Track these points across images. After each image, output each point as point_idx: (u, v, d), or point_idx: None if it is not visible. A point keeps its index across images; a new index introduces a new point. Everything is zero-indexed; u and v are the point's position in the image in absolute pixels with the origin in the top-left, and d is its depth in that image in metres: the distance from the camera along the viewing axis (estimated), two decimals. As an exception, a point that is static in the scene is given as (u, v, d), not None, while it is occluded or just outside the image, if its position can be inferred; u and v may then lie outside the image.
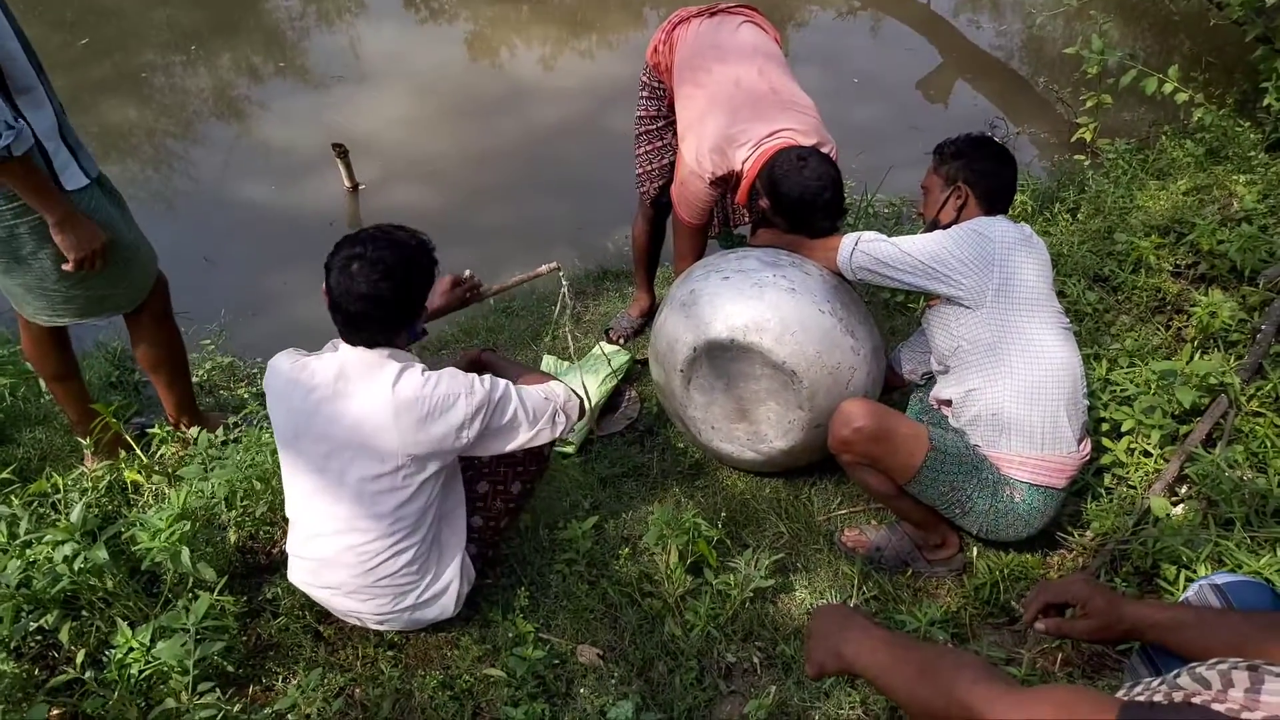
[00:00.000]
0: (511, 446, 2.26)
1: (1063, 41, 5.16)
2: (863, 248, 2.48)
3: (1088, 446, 2.44)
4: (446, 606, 2.33)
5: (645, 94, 3.11)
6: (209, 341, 3.65)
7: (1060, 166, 4.39)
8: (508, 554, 2.64)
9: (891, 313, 3.66)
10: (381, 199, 4.80)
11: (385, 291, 2.05)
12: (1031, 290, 2.33)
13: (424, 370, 2.13)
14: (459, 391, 2.11)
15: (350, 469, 2.12)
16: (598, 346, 3.25)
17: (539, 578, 2.60)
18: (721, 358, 2.62)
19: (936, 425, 2.49)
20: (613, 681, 2.32)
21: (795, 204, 2.59)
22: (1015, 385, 2.34)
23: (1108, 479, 2.73)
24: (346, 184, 4.72)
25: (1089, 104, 4.35)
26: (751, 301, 2.54)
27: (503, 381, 2.23)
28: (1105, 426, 2.80)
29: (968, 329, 2.38)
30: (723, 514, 2.67)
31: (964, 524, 2.47)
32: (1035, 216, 4.04)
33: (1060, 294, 3.50)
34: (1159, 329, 3.33)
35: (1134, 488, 2.68)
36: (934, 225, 2.52)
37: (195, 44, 6.17)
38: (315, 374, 2.15)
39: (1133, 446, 2.74)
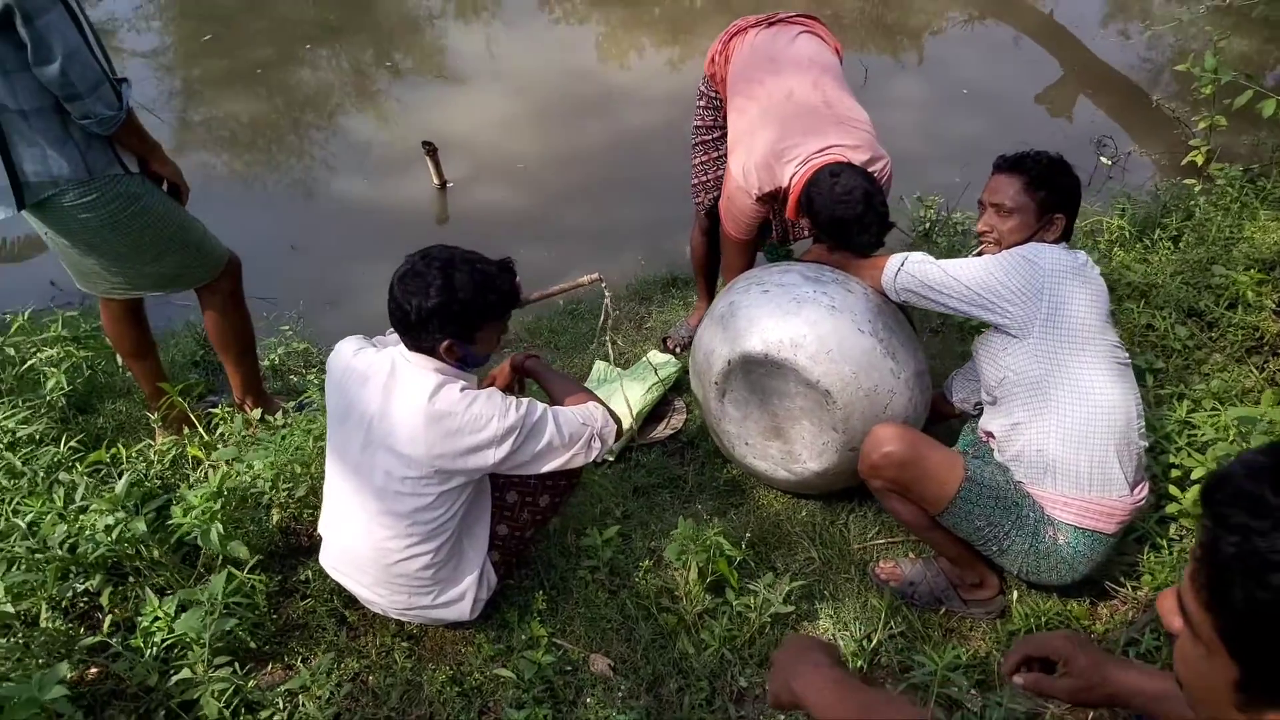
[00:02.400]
0: (544, 469, 2.25)
1: (1181, 55, 4.85)
2: (908, 269, 2.39)
3: (1144, 491, 2.28)
4: (463, 611, 2.35)
5: (703, 104, 3.08)
6: (288, 327, 3.79)
7: (1168, 190, 4.13)
8: (533, 556, 2.64)
9: (967, 336, 3.51)
10: (468, 197, 4.90)
11: (406, 316, 2.10)
12: (1082, 323, 2.20)
13: (464, 387, 2.15)
14: (492, 413, 2.12)
15: (379, 463, 2.17)
16: (647, 357, 3.23)
17: (560, 582, 2.60)
18: (756, 373, 2.56)
19: (981, 458, 2.38)
20: (620, 694, 2.30)
21: (829, 221, 2.52)
22: (1061, 423, 2.21)
23: (1172, 529, 2.55)
24: (435, 181, 4.84)
25: (1201, 125, 4.08)
26: (789, 317, 2.48)
27: (541, 406, 2.22)
28: (1176, 473, 2.61)
29: (1014, 360, 2.26)
30: (748, 534, 2.61)
31: (1002, 562, 2.35)
32: (1133, 243, 3.81)
33: (1148, 327, 3.32)
34: (1252, 371, 3.09)
35: (1199, 541, 2.49)
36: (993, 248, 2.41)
37: (309, 43, 6.43)
38: (371, 364, 2.21)
39: (1202, 496, 2.55)
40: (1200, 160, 4.05)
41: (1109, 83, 5.95)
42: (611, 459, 2.99)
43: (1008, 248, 2.38)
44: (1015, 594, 2.49)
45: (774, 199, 2.76)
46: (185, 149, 5.69)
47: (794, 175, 2.64)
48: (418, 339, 2.16)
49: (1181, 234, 3.78)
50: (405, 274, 2.13)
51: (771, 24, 2.91)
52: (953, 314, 2.37)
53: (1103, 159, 4.85)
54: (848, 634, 2.42)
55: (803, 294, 2.50)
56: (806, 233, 3.12)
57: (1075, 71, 6.19)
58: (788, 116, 2.69)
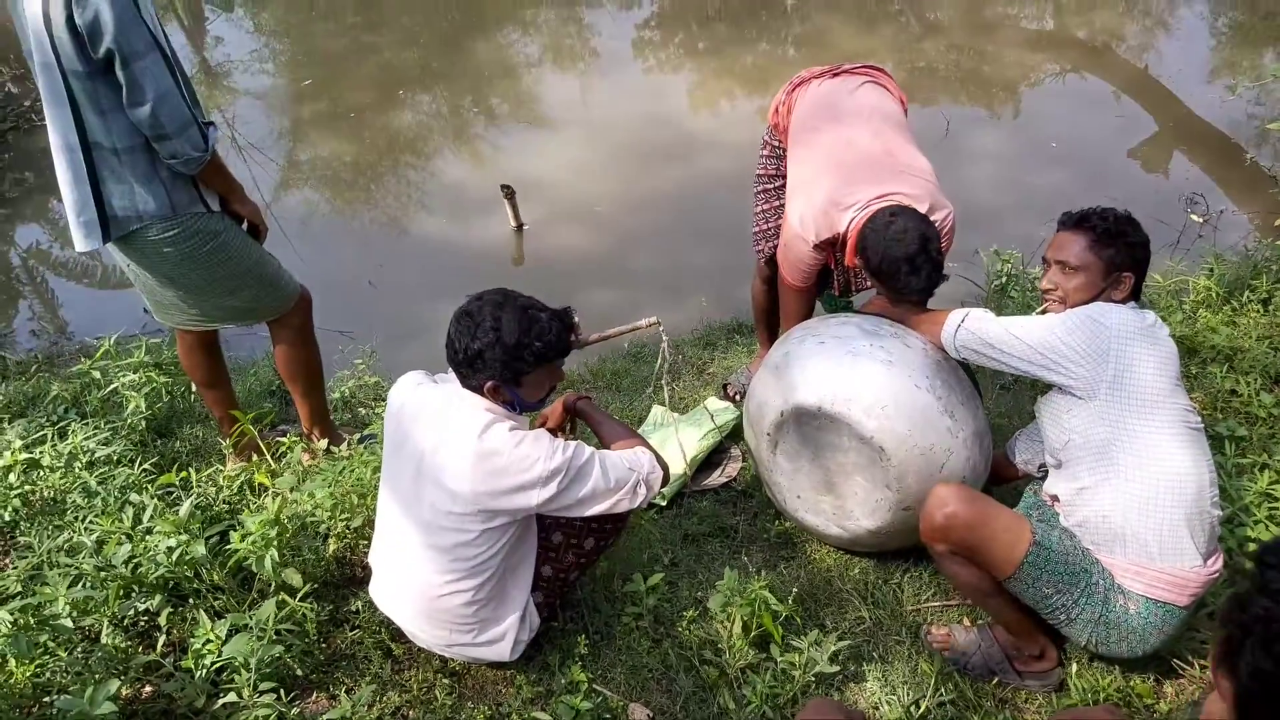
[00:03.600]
0: (588, 513, 2.25)
1: (1275, 111, 4.69)
2: (969, 325, 2.34)
3: (1218, 562, 2.16)
4: (503, 652, 2.35)
5: (765, 153, 3.08)
6: (361, 361, 3.90)
7: (1260, 251, 3.96)
8: (577, 599, 2.64)
9: (1039, 393, 3.40)
10: (543, 239, 4.99)
11: (455, 356, 2.16)
12: (1150, 386, 2.11)
13: (513, 427, 2.18)
14: (539, 454, 2.13)
15: (426, 496, 2.20)
16: (705, 404, 3.21)
17: (604, 627, 2.59)
18: (809, 425, 2.53)
19: (1046, 522, 2.29)
20: (658, 745, 2.27)
21: (881, 261, 2.48)
22: (1128, 490, 2.11)
23: (1248, 607, 2.41)
24: (512, 223, 4.94)
25: (1297, 185, 3.91)
26: (843, 370, 2.44)
27: (588, 449, 2.23)
28: (1253, 547, 2.48)
29: (1079, 422, 2.18)
30: (796, 589, 2.56)
31: (1069, 632, 2.24)
32: (1220, 304, 3.66)
33: (1232, 393, 3.18)
34: (1342, 444, 2.93)
35: (1275, 622, 2.35)
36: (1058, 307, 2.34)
37: (403, 88, 6.67)
38: (428, 399, 2.26)
39: (1280, 574, 2.41)
40: (1295, 221, 3.89)
41: (1205, 139, 5.76)
42: (663, 505, 2.98)
43: (1072, 306, 2.32)
44: (1074, 667, 2.38)
45: (832, 246, 2.74)
46: (287, 186, 5.95)
47: (852, 220, 2.62)
48: (467, 378, 2.20)
49: (1271, 297, 3.62)
50: (460, 314, 2.18)
51: (836, 75, 2.91)
52: (1014, 373, 2.30)
53: (1193, 216, 4.69)
54: (895, 698, 2.35)
55: (859, 347, 2.47)
56: (868, 283, 3.09)
57: (1170, 127, 6.02)
58: (848, 165, 2.68)
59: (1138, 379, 2.11)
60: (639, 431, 3.03)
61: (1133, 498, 2.11)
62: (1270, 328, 3.41)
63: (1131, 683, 2.33)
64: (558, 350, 2.24)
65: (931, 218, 2.58)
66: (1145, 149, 5.78)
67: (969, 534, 2.17)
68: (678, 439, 2.95)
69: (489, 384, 2.17)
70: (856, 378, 2.43)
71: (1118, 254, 2.26)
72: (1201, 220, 4.68)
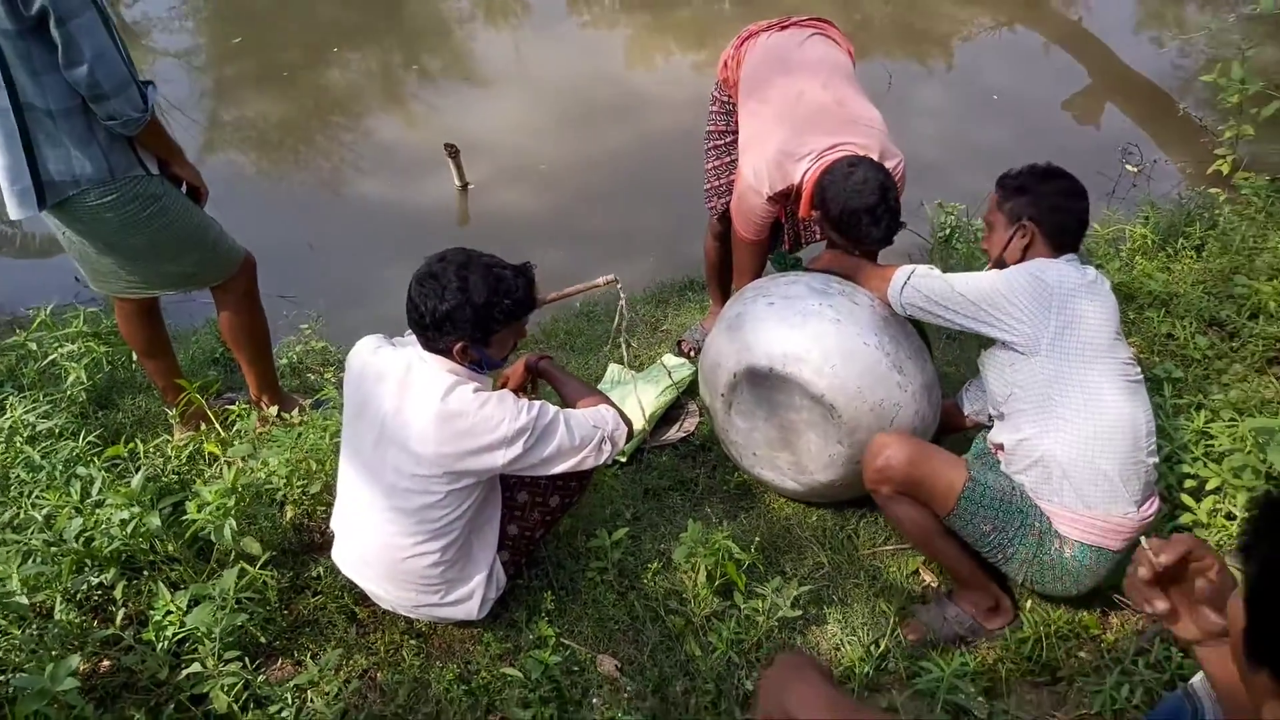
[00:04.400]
0: (555, 471, 2.26)
1: (1211, 64, 4.80)
2: (914, 283, 2.38)
3: (1152, 507, 2.24)
4: (470, 610, 2.36)
5: (715, 109, 3.08)
6: (307, 326, 3.82)
7: (1192, 199, 4.08)
8: (542, 556, 2.65)
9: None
10: (489, 198, 4.93)
11: (422, 318, 2.13)
12: (1090, 340, 2.17)
13: (477, 388, 2.17)
14: (504, 415, 2.13)
15: (390, 460, 2.18)
16: (662, 360, 3.23)
17: (569, 583, 2.60)
18: (762, 385, 2.56)
19: (987, 466, 2.35)
20: (627, 695, 2.31)
21: (841, 212, 2.51)
22: (1068, 439, 2.17)
23: (1187, 540, 2.51)
24: (457, 183, 4.87)
25: (1227, 135, 4.03)
26: (794, 330, 2.47)
27: (552, 408, 2.23)
28: (1191, 483, 2.58)
29: (1021, 375, 2.23)
30: (758, 538, 2.60)
31: (1008, 570, 2.32)
32: (1156, 251, 3.77)
33: (1169, 336, 3.28)
34: (1272, 382, 3.05)
35: (1213, 553, 2.46)
36: (999, 264, 2.38)
37: (337, 46, 6.49)
38: (388, 362, 2.23)
39: (1217, 507, 2.52)
40: (1226, 169, 4.01)
41: (1137, 90, 5.89)
42: (623, 461, 3.00)
43: (992, 261, 2.39)
44: (1028, 603, 2.46)
45: (785, 199, 2.75)
46: (214, 148, 5.77)
47: (806, 172, 2.63)
48: (433, 340, 2.18)
49: (1205, 243, 3.74)
50: (423, 276, 2.15)
51: (784, 27, 2.91)
52: (959, 329, 2.34)
53: (1129, 166, 4.81)
54: (855, 639, 2.41)
55: (808, 307, 2.49)
56: (818, 236, 3.11)
57: (1103, 79, 6.14)
58: (799, 117, 2.68)
59: (1079, 334, 2.17)
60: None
61: (1071, 448, 2.17)
62: (1204, 273, 3.53)
63: (1079, 615, 2.42)
64: (526, 306, 2.23)
65: (884, 163, 2.60)
66: (1079, 100, 5.89)
67: (908, 472, 2.25)
68: (636, 395, 2.96)
69: (459, 345, 2.15)
70: (806, 337, 2.45)
71: (1018, 205, 2.33)
72: (1136, 170, 4.80)
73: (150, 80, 2.56)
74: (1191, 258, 3.68)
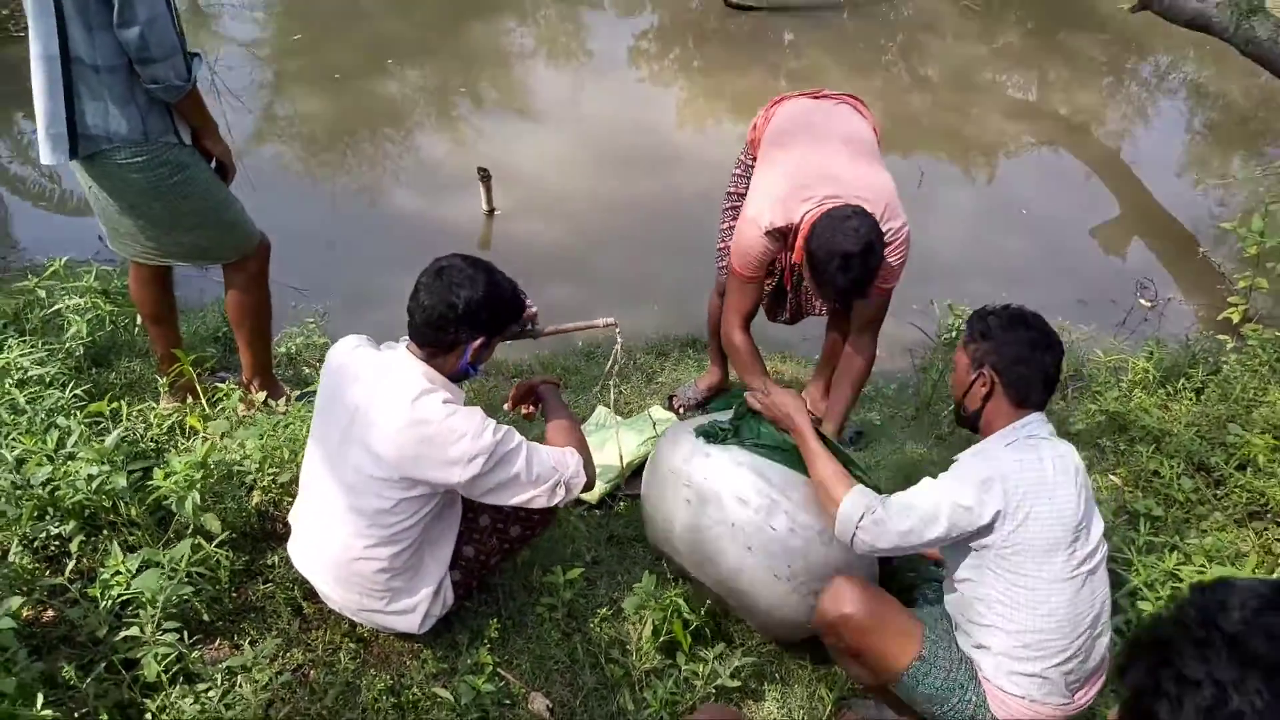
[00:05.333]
0: (507, 502, 2.26)
1: (1236, 211, 4.88)
2: (862, 537, 2.12)
3: (1093, 689, 2.14)
4: (411, 623, 2.35)
5: (738, 171, 3.13)
6: (312, 320, 3.87)
7: (1200, 342, 4.11)
8: (495, 584, 2.65)
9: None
10: (513, 225, 5.00)
11: (444, 307, 2.16)
12: (1045, 537, 2.02)
13: (447, 400, 2.18)
14: (467, 430, 2.14)
15: (352, 458, 2.20)
16: (649, 411, 3.25)
17: (517, 614, 2.60)
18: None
19: (944, 638, 2.19)
20: (552, 737, 2.29)
21: (819, 249, 2.51)
22: (1007, 637, 2.06)
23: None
24: (484, 207, 4.95)
25: (1242, 284, 4.07)
26: (702, 544, 2.45)
27: (518, 437, 2.24)
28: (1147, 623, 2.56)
29: (968, 562, 2.11)
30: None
31: None
32: (1156, 387, 3.79)
33: (1155, 473, 3.29)
34: (1250, 536, 3.05)
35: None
36: (959, 410, 2.26)
37: (393, 58, 6.64)
38: (364, 362, 2.26)
39: (1171, 649, 2.50)
40: (1236, 318, 4.04)
41: (1164, 227, 5.95)
42: (593, 504, 3.00)
43: (957, 406, 2.27)
44: None
45: (783, 238, 2.74)
46: (263, 138, 5.88)
47: (807, 212, 2.64)
48: (441, 335, 2.18)
49: (1205, 387, 3.76)
50: (444, 269, 2.19)
51: (816, 97, 2.98)
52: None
53: (1142, 300, 4.85)
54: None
55: (724, 518, 2.41)
56: (819, 309, 3.13)
57: (1133, 211, 6.21)
58: (814, 167, 2.73)
59: (1031, 534, 2.02)
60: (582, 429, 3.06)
61: (1010, 643, 2.06)
62: (1199, 416, 3.54)
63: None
64: (521, 316, 2.36)
65: (885, 224, 2.62)
66: (1107, 230, 5.95)
67: (859, 638, 2.14)
68: (617, 441, 2.98)
69: (479, 340, 2.20)
70: (720, 555, 2.42)
71: (980, 351, 2.17)
72: (1150, 305, 4.84)
73: (197, 53, 2.64)
74: (1190, 399, 3.69)
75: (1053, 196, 6.28)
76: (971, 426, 2.24)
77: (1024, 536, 2.01)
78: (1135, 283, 4.95)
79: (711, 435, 2.54)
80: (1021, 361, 2.12)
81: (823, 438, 2.37)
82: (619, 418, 3.23)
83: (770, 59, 7.51)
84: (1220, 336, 4.08)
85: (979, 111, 7.16)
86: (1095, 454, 3.46)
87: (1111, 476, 3.34)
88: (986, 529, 2.02)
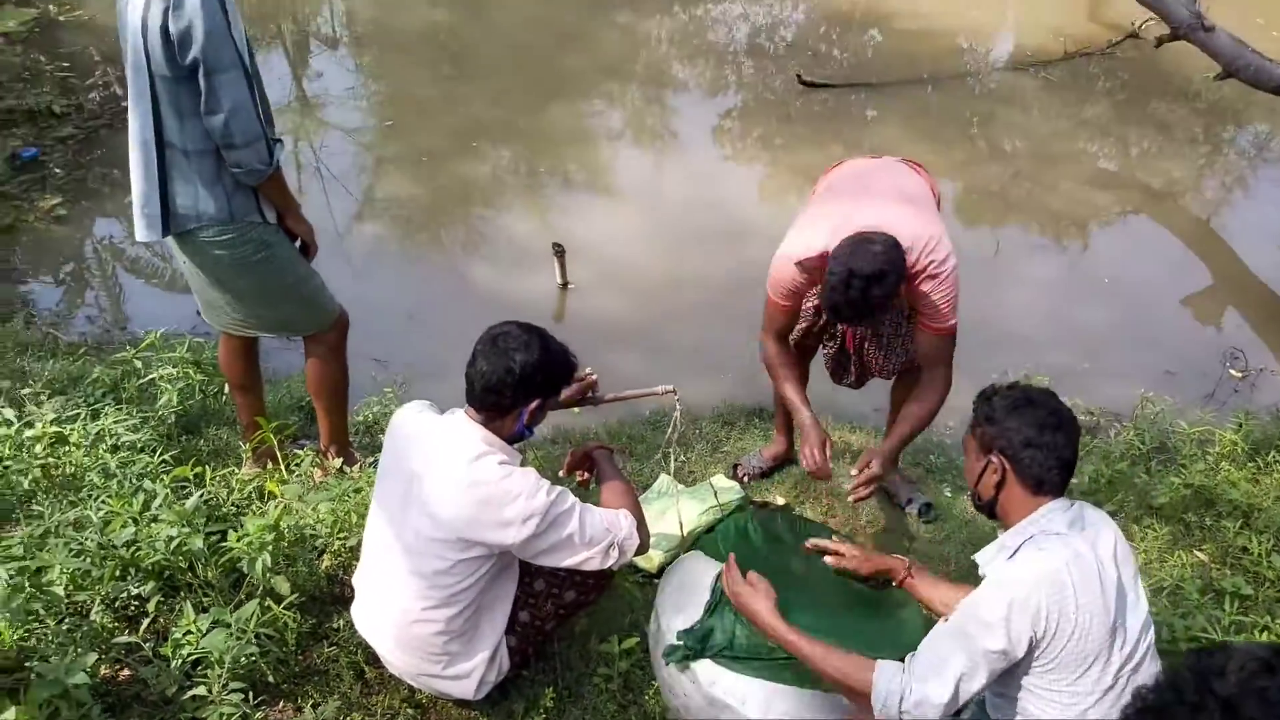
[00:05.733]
0: (562, 563, 2.29)
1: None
2: (910, 705, 1.90)
3: None
4: (467, 689, 2.38)
5: None
6: (390, 389, 4.00)
7: (1294, 414, 3.94)
8: (552, 652, 2.66)
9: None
10: (586, 299, 5.11)
11: (502, 371, 2.24)
12: (1075, 657, 1.88)
13: (503, 462, 2.25)
14: (522, 491, 2.19)
15: (411, 521, 2.27)
16: (712, 480, 3.25)
17: (574, 684, 2.60)
18: None
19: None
20: (605, 810, 2.27)
21: (829, 269, 2.54)
22: None
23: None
24: (559, 280, 5.08)
25: (1338, 353, 3.89)
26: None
27: (571, 498, 2.28)
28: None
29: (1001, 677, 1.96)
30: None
31: None
32: (1245, 461, 3.63)
33: (1244, 549, 3.14)
34: (1349, 617, 2.87)
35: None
36: (975, 498, 2.15)
37: (476, 141, 6.92)
38: (425, 427, 2.35)
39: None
40: (1333, 389, 3.86)
41: (1257, 296, 5.74)
42: (653, 573, 3.00)
43: (974, 495, 2.15)
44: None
45: (816, 272, 2.73)
46: (363, 217, 6.17)
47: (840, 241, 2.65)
48: (499, 400, 2.26)
49: (1298, 460, 3.59)
50: (499, 336, 2.29)
51: (877, 157, 3.02)
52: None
53: (1232, 371, 4.67)
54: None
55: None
56: (884, 370, 3.11)
57: (1225, 281, 6.01)
58: (856, 208, 2.75)
59: (1061, 655, 1.88)
60: (643, 497, 3.09)
61: None
62: (1292, 491, 3.37)
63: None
64: (571, 376, 2.43)
65: (928, 257, 2.65)
66: (1197, 299, 5.77)
67: None
68: (678, 509, 2.99)
69: (536, 403, 2.28)
70: None
71: (986, 434, 2.06)
72: (1240, 375, 4.65)
73: (280, 139, 2.82)
74: (1282, 473, 3.52)
75: (1140, 267, 6.12)
76: (989, 514, 2.13)
77: (1052, 655, 1.88)
78: (1224, 352, 4.77)
79: (675, 655, 2.39)
80: (1031, 445, 1.99)
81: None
82: (680, 485, 3.24)
83: (852, 136, 7.55)
84: (1316, 408, 3.90)
85: (1063, 183, 7.07)
86: (1180, 530, 3.31)
87: (1197, 553, 3.20)
88: (1023, 646, 1.87)
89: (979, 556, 2.11)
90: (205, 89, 2.56)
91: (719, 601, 2.42)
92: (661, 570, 3.00)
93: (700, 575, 2.56)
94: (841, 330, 3.07)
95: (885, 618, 2.51)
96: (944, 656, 1.90)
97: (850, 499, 2.88)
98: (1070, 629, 1.86)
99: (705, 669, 2.29)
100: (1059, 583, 1.86)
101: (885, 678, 1.93)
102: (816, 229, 2.77)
